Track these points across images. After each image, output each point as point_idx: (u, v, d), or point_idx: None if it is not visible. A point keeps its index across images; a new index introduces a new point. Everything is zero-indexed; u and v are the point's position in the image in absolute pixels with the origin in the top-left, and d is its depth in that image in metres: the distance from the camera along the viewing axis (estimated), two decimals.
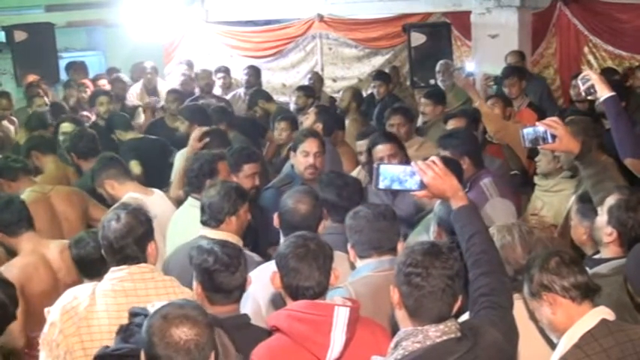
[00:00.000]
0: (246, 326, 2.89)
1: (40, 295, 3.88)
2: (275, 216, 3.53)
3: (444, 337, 2.35)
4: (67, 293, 3.18)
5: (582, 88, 3.70)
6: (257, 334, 2.81)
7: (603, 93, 3.66)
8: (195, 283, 2.94)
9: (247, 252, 3.68)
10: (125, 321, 2.71)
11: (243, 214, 3.73)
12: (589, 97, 3.75)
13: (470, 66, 8.74)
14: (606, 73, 8.12)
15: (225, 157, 4.54)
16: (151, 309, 2.76)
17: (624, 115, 3.78)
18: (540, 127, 3.35)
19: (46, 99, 8.11)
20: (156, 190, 4.71)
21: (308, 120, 6.06)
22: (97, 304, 3.05)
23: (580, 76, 3.76)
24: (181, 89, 8.50)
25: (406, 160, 4.63)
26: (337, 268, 2.86)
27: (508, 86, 7.04)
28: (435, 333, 2.35)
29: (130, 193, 4.48)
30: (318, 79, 9.18)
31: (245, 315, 2.96)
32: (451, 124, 5.43)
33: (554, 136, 3.33)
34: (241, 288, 2.92)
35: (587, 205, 3.39)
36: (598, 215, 3.19)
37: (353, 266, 3.32)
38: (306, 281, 2.71)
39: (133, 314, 2.79)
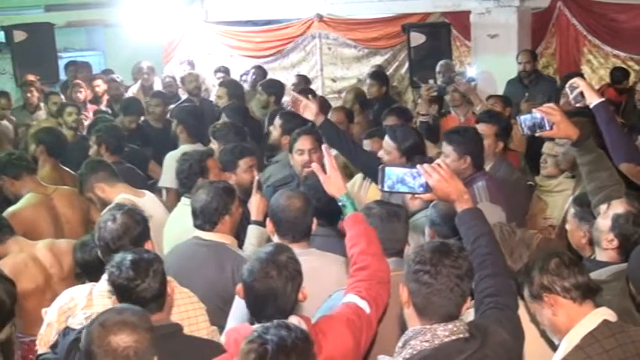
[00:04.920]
0: (172, 336, 2.74)
1: (32, 293, 3.89)
2: (267, 221, 3.40)
3: (453, 337, 2.34)
4: (65, 294, 3.19)
5: (571, 96, 3.63)
6: (184, 344, 2.75)
7: (593, 99, 3.60)
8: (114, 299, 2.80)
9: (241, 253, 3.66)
10: None
11: (236, 211, 3.71)
12: (578, 105, 3.69)
13: (471, 71, 8.72)
14: (616, 73, 8.18)
15: (213, 153, 4.54)
16: (71, 320, 2.76)
17: (615, 120, 3.74)
18: (537, 114, 3.32)
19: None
20: (147, 192, 4.62)
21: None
22: (94, 304, 3.04)
23: (568, 84, 3.69)
24: (165, 92, 8.54)
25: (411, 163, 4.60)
26: (306, 287, 2.65)
27: (450, 93, 6.93)
28: (444, 332, 2.34)
29: (122, 194, 4.31)
30: (304, 80, 8.98)
31: (173, 324, 2.82)
32: (480, 129, 4.80)
33: (551, 123, 3.30)
34: (158, 298, 2.75)
35: (585, 209, 3.37)
36: (599, 216, 3.16)
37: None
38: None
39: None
